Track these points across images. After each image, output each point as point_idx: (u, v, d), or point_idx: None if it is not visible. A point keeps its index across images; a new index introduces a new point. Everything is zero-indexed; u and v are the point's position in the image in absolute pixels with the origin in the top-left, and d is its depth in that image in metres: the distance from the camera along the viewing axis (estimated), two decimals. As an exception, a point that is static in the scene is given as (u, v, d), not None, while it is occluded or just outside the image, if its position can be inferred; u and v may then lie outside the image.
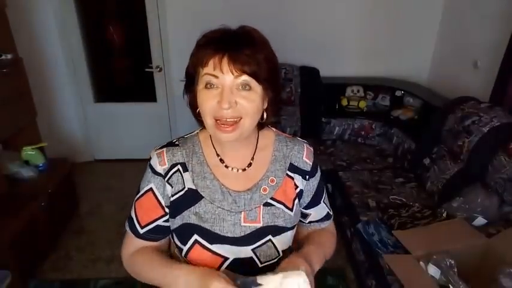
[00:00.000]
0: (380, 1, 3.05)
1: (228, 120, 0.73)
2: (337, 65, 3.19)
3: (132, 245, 0.88)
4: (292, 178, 0.88)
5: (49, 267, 2.23)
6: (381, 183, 2.37)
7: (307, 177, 0.90)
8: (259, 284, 0.66)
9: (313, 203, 0.94)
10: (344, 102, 3.10)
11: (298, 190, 0.89)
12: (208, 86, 0.73)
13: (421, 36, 3.15)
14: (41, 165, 2.38)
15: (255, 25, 0.78)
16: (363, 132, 3.00)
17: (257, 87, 0.75)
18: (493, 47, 2.40)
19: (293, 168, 0.89)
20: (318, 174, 0.93)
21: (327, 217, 0.97)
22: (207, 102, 0.73)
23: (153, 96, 3.31)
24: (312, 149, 0.93)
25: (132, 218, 0.87)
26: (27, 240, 2.04)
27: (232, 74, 0.71)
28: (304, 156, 0.90)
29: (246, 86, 0.73)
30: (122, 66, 3.49)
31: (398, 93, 3.01)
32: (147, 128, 3.41)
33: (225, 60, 0.71)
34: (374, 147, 2.93)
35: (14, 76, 2.23)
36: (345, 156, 2.77)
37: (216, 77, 0.72)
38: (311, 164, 0.90)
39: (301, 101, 3.02)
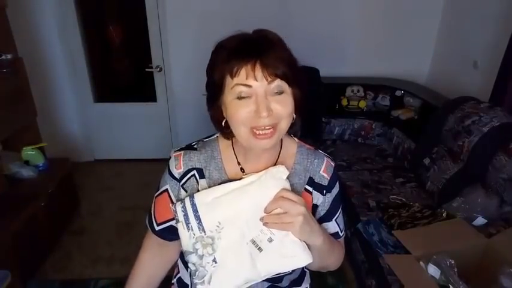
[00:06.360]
0: (380, 1, 3.05)
1: (266, 127, 0.71)
2: (337, 65, 3.19)
3: (149, 239, 0.92)
4: (311, 193, 0.85)
5: (49, 267, 2.23)
6: (381, 183, 2.37)
7: (324, 191, 0.86)
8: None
9: (324, 218, 0.89)
10: (344, 102, 3.10)
11: (313, 205, 0.86)
12: (241, 96, 0.70)
13: (421, 36, 3.15)
14: (41, 165, 2.39)
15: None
16: (363, 132, 3.00)
17: (288, 90, 0.73)
18: (493, 47, 2.40)
19: (312, 182, 0.85)
20: (335, 191, 0.89)
21: (334, 236, 0.91)
22: (242, 111, 0.70)
23: (153, 96, 3.31)
24: (333, 164, 0.89)
25: (151, 214, 0.89)
26: (27, 240, 2.04)
27: (266, 80, 0.69)
28: (322, 170, 0.86)
29: (279, 90, 0.71)
30: (122, 66, 3.48)
31: (398, 93, 3.01)
32: (147, 128, 3.41)
33: (258, 67, 0.68)
34: (374, 147, 2.93)
35: (14, 76, 2.22)
36: (345, 156, 2.77)
37: (249, 86, 0.69)
38: (328, 178, 0.87)
39: (301, 101, 3.02)
